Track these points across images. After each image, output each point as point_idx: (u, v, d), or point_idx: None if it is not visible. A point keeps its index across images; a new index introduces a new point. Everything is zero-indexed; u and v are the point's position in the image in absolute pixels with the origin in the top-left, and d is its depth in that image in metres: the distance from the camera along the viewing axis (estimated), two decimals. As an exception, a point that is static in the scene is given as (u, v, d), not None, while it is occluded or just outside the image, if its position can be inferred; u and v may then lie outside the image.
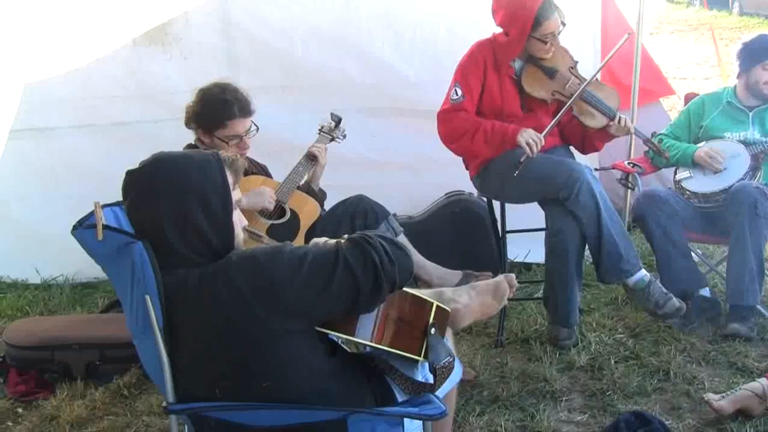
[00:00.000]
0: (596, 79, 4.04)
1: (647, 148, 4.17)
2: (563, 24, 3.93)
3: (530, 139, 3.79)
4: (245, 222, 2.31)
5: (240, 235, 2.22)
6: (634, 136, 4.59)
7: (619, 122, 3.96)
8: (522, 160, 3.77)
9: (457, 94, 3.97)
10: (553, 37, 3.91)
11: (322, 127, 4.14)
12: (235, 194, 2.20)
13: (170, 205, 2.07)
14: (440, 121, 4.01)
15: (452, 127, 3.97)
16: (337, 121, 4.16)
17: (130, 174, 2.13)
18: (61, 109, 4.90)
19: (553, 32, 3.90)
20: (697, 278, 4.26)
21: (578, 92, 3.91)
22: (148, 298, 2.02)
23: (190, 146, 3.77)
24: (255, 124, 3.83)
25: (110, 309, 4.35)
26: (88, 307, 4.70)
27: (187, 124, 3.84)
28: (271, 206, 3.76)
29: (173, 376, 2.11)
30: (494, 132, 3.89)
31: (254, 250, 2.09)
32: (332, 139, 4.12)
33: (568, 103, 3.90)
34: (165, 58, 4.88)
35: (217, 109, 3.73)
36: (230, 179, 2.16)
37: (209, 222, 2.09)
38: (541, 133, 3.83)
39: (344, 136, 4.19)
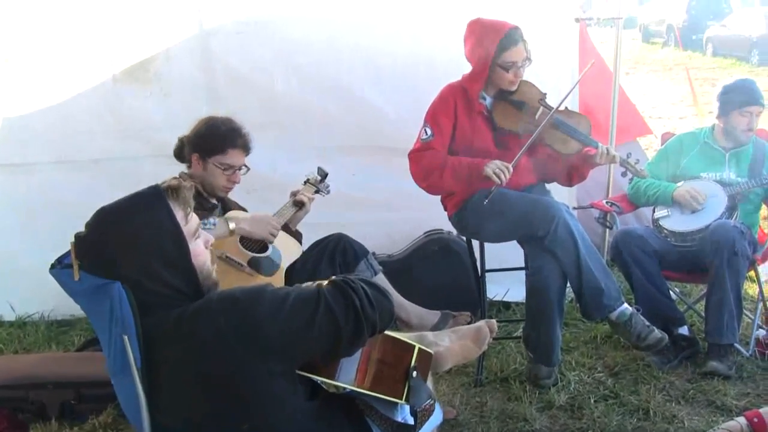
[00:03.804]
0: (566, 107, 4.06)
1: (624, 171, 4.16)
2: (529, 59, 3.95)
3: (497, 168, 3.79)
4: (211, 239, 2.28)
5: (207, 263, 2.20)
6: (612, 178, 4.64)
7: (603, 152, 3.96)
8: (492, 189, 3.78)
9: (426, 134, 3.99)
10: (516, 67, 3.93)
11: (308, 179, 4.17)
12: (192, 223, 2.16)
13: (126, 267, 2.03)
14: (411, 161, 4.03)
15: (422, 165, 3.98)
16: (324, 175, 4.20)
17: (78, 240, 2.08)
18: (41, 145, 4.87)
19: (516, 62, 3.91)
20: (676, 316, 4.28)
21: (547, 119, 3.91)
22: (126, 337, 2.00)
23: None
24: (247, 165, 3.87)
25: (87, 347, 4.31)
26: (64, 345, 4.65)
27: (178, 152, 3.85)
28: (273, 238, 3.75)
29: (151, 417, 2.08)
30: (462, 166, 3.90)
31: (235, 291, 2.07)
32: (317, 191, 4.15)
33: (537, 130, 3.90)
34: (145, 95, 4.88)
35: (222, 134, 3.78)
36: (179, 213, 2.12)
37: (169, 270, 2.07)
38: (512, 160, 3.84)
39: (329, 191, 4.23)
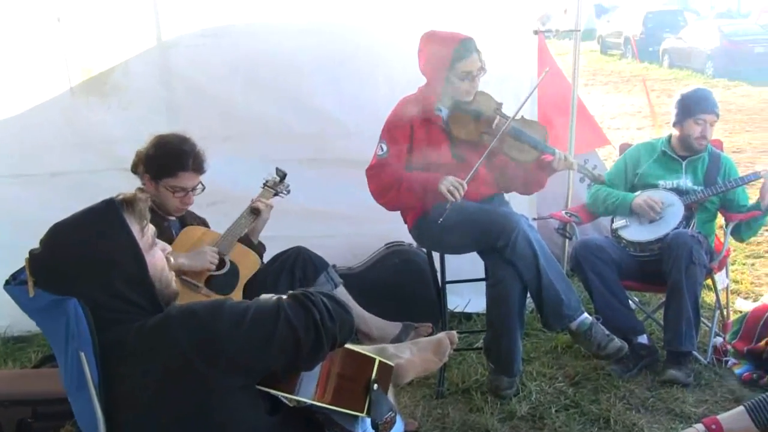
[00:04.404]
0: (522, 116, 4.08)
1: (582, 177, 4.19)
2: (484, 69, 3.98)
3: (451, 186, 3.79)
4: (168, 248, 2.26)
5: (165, 271, 2.17)
6: (571, 188, 4.67)
7: (560, 158, 3.99)
8: (447, 206, 3.79)
9: (382, 150, 3.99)
10: (472, 77, 3.95)
11: (266, 182, 4.14)
12: (148, 235, 2.13)
13: (82, 283, 2.00)
14: (368, 178, 4.03)
15: (379, 182, 3.98)
16: (282, 176, 4.17)
17: (32, 256, 2.04)
18: (-3, 158, 4.80)
19: (471, 71, 3.93)
20: (635, 325, 4.31)
21: (504, 127, 3.93)
22: (82, 354, 1.97)
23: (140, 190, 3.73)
24: (202, 184, 3.82)
25: (44, 364, 4.24)
26: (20, 362, 4.58)
27: (134, 168, 3.81)
28: (213, 266, 3.73)
29: (109, 434, 2.06)
30: (417, 183, 3.90)
31: (193, 305, 2.05)
32: (276, 194, 4.13)
33: (494, 140, 3.91)
34: (103, 108, 4.83)
35: (172, 157, 3.71)
36: (135, 226, 2.09)
37: (126, 285, 2.04)
38: (470, 172, 3.85)
39: (288, 191, 4.20)
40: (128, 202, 2.11)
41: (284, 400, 2.21)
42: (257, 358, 1.99)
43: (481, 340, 4.25)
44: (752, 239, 5.78)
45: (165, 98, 4.87)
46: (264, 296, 2.17)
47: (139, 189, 3.73)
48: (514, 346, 3.90)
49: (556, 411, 3.84)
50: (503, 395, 3.95)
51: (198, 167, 3.76)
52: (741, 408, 3.25)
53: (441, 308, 4.26)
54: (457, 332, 2.84)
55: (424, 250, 4.40)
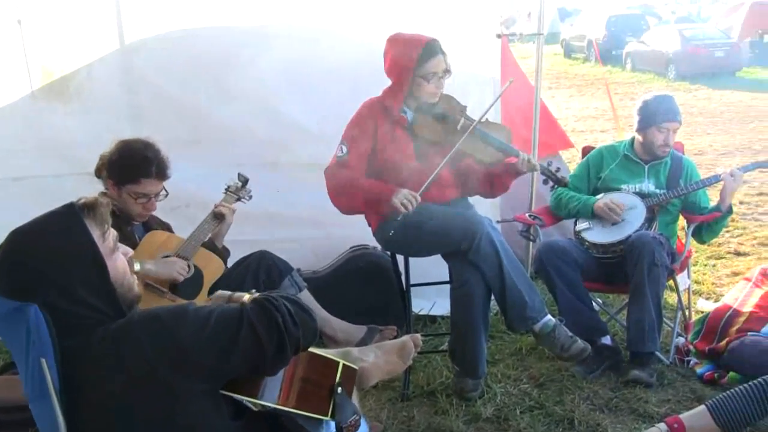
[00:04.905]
0: (486, 119, 4.10)
1: (546, 179, 4.19)
2: (449, 71, 3.99)
3: (404, 199, 3.79)
4: (130, 251, 2.24)
5: (127, 275, 2.16)
6: (534, 191, 4.69)
7: (524, 159, 3.99)
8: (398, 219, 3.80)
9: (342, 151, 3.98)
10: (437, 78, 3.96)
11: (228, 187, 4.12)
12: (109, 240, 2.11)
13: (42, 289, 1.98)
14: (326, 178, 4.01)
15: (335, 184, 3.98)
16: (244, 181, 4.16)
17: None
18: (-42, 163, 4.74)
19: (437, 72, 3.94)
20: (598, 327, 4.34)
21: (469, 129, 3.93)
22: (44, 361, 1.96)
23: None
24: (166, 190, 3.80)
25: (5, 371, 4.19)
26: (-19, 370, 4.52)
27: (98, 172, 3.77)
28: (181, 278, 3.70)
29: (72, 441, 2.04)
30: (372, 192, 3.91)
31: (157, 310, 2.04)
32: (238, 199, 4.12)
33: (459, 141, 3.91)
34: (66, 111, 4.79)
35: (135, 163, 3.68)
36: (96, 231, 2.07)
37: (87, 291, 2.02)
38: (432, 175, 3.86)
39: (250, 197, 4.19)
40: (89, 207, 2.10)
41: (248, 405, 2.22)
42: (221, 363, 1.99)
43: (446, 343, 4.26)
44: (714, 241, 5.87)
45: (128, 102, 4.83)
46: (226, 293, 2.17)
47: (102, 193, 3.70)
48: (479, 348, 3.92)
49: (520, 412, 3.85)
50: (468, 397, 3.96)
51: (161, 174, 3.74)
52: (702, 407, 3.31)
53: (405, 311, 4.26)
54: (422, 335, 2.86)
55: (388, 253, 4.40)
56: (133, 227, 3.85)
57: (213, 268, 3.89)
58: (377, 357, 2.55)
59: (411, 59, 3.90)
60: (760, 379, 3.25)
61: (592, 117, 15.22)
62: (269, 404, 2.11)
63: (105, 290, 2.06)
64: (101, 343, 1.97)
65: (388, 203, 3.82)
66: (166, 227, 4.05)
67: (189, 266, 3.76)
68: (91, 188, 3.71)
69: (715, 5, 36.63)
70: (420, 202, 3.80)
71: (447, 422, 3.77)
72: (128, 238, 3.66)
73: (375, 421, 3.73)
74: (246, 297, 2.19)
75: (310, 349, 2.19)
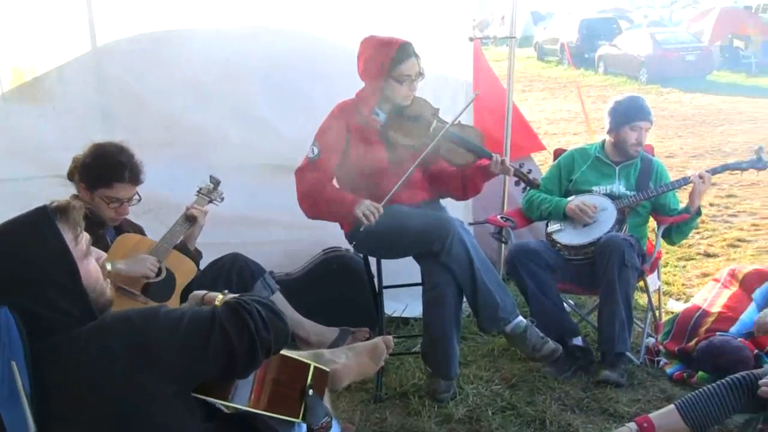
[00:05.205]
0: (458, 121, 4.10)
1: (518, 180, 4.20)
2: (422, 74, 4.00)
3: (366, 210, 3.81)
4: (103, 255, 2.23)
5: (99, 281, 2.15)
6: (506, 193, 4.72)
7: (496, 161, 4.02)
8: (361, 230, 3.82)
9: (313, 153, 3.99)
10: (410, 81, 3.98)
11: (200, 189, 4.12)
12: (82, 243, 2.10)
13: (13, 292, 1.98)
14: (296, 179, 4.03)
15: (304, 188, 3.99)
16: (216, 183, 4.15)
17: None
18: (-74, 166, 4.69)
19: (410, 75, 3.96)
20: (570, 327, 4.37)
21: (442, 132, 3.95)
22: (14, 364, 1.95)
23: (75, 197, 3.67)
24: (139, 194, 3.79)
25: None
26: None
27: (70, 175, 3.75)
28: (153, 273, 3.69)
29: (43, 444, 2.03)
30: (335, 201, 3.92)
31: (128, 312, 2.04)
32: (210, 201, 4.11)
33: (431, 144, 3.94)
34: (37, 113, 4.74)
35: (108, 167, 3.66)
36: (69, 234, 2.06)
37: (59, 294, 2.01)
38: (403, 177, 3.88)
39: (222, 199, 4.18)
40: (62, 210, 2.09)
41: (220, 407, 2.22)
42: (192, 365, 1.99)
43: (419, 345, 4.28)
44: (684, 242, 5.94)
45: (100, 104, 4.79)
46: (201, 293, 2.17)
47: (74, 196, 3.68)
48: (451, 349, 3.93)
49: (492, 413, 3.87)
50: (441, 399, 3.97)
51: (135, 179, 3.72)
52: (672, 406, 3.35)
53: (378, 313, 4.27)
54: (395, 337, 2.87)
55: (361, 255, 4.41)
56: (105, 230, 3.83)
57: (185, 271, 3.89)
58: (349, 359, 2.57)
59: (384, 62, 3.91)
60: (727, 379, 3.30)
61: (565, 120, 15.32)
62: (240, 406, 2.11)
63: (77, 294, 2.05)
64: (71, 347, 1.96)
65: (350, 214, 3.84)
66: (138, 230, 4.04)
67: (161, 265, 3.75)
68: (64, 191, 3.70)
69: (686, 10, 36.99)
70: (392, 206, 3.82)
71: (419, 423, 3.78)
72: (100, 242, 3.65)
73: (347, 423, 3.74)
74: (219, 297, 2.20)
75: (282, 352, 2.20)
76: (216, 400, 2.10)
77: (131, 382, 1.94)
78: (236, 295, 2.19)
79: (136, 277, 3.68)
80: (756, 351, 4.14)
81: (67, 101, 4.75)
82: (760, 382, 3.07)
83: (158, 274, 3.75)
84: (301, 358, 2.29)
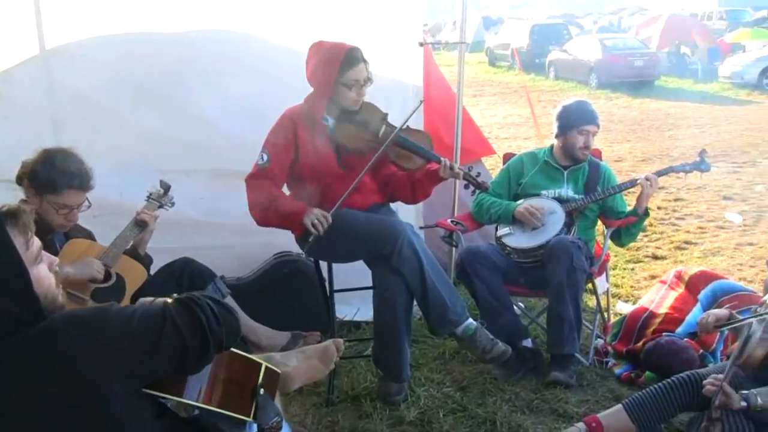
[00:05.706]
0: (407, 126, 4.11)
1: (467, 184, 4.20)
2: (370, 80, 4.02)
3: (315, 219, 3.83)
4: (56, 261, 2.22)
5: (51, 287, 2.14)
6: (457, 198, 4.75)
7: (446, 165, 4.04)
8: (310, 240, 3.84)
9: (263, 159, 3.99)
10: (359, 86, 3.99)
11: (150, 194, 4.10)
12: (33, 248, 2.09)
13: None
14: (246, 186, 4.03)
15: (254, 195, 3.99)
16: (166, 188, 4.14)
17: None
18: None
19: (359, 80, 3.97)
20: (520, 330, 4.42)
21: (391, 137, 3.96)
22: (-40, 370, 1.93)
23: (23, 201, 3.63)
24: (89, 200, 3.75)
25: None
26: None
27: (19, 180, 3.70)
28: (100, 276, 3.67)
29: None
30: (284, 209, 3.93)
31: (78, 311, 2.04)
32: (161, 206, 4.09)
33: (381, 148, 3.95)
34: (-16, 118, 4.68)
35: (57, 173, 3.62)
36: (19, 239, 2.04)
37: (9, 299, 1.98)
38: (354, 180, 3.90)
39: (173, 204, 4.17)
40: (12, 215, 2.07)
41: (173, 410, 2.22)
42: (144, 362, 1.99)
43: (370, 348, 4.29)
44: (632, 245, 6.03)
45: (49, 108, 4.72)
46: (148, 299, 2.17)
47: (23, 201, 3.65)
48: (402, 352, 3.96)
49: (444, 415, 3.90)
50: (392, 401, 3.99)
51: (84, 186, 3.69)
52: (619, 406, 3.42)
53: (330, 317, 4.28)
54: (346, 340, 2.89)
55: (312, 259, 4.41)
56: (54, 235, 3.79)
57: (135, 276, 3.86)
58: (299, 362, 2.58)
59: (333, 67, 3.93)
60: (673, 378, 3.37)
61: (516, 124, 15.45)
62: (192, 402, 2.11)
63: (28, 300, 2.02)
64: (20, 348, 1.94)
65: (299, 223, 3.86)
66: (88, 235, 4.00)
67: (110, 269, 3.73)
68: (12, 196, 3.66)
69: (635, 16, 37.53)
70: (342, 211, 3.84)
71: (371, 426, 3.80)
72: (49, 247, 3.60)
73: (299, 426, 3.74)
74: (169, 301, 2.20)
75: (233, 350, 2.21)
76: (168, 396, 2.10)
77: (82, 381, 1.93)
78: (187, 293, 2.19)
79: (85, 282, 3.65)
80: (701, 351, 4.23)
81: (15, 105, 4.69)
82: (704, 381, 3.14)
83: (108, 278, 3.72)
84: (252, 357, 2.29)
